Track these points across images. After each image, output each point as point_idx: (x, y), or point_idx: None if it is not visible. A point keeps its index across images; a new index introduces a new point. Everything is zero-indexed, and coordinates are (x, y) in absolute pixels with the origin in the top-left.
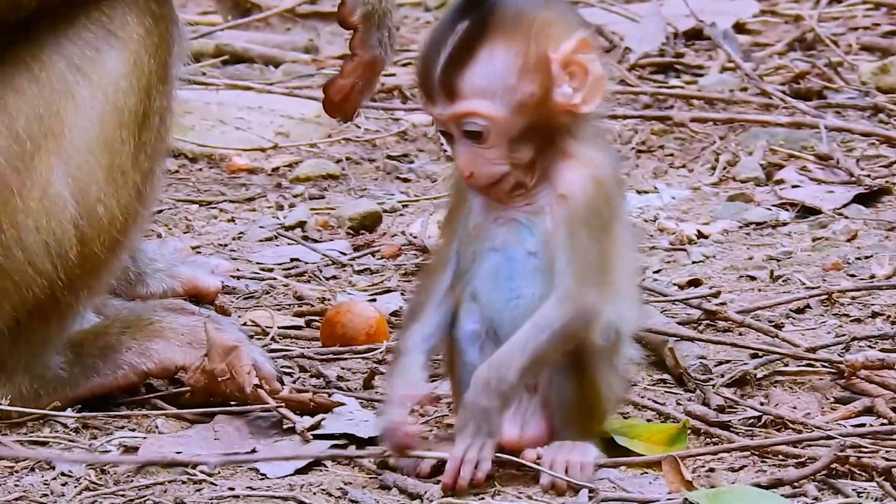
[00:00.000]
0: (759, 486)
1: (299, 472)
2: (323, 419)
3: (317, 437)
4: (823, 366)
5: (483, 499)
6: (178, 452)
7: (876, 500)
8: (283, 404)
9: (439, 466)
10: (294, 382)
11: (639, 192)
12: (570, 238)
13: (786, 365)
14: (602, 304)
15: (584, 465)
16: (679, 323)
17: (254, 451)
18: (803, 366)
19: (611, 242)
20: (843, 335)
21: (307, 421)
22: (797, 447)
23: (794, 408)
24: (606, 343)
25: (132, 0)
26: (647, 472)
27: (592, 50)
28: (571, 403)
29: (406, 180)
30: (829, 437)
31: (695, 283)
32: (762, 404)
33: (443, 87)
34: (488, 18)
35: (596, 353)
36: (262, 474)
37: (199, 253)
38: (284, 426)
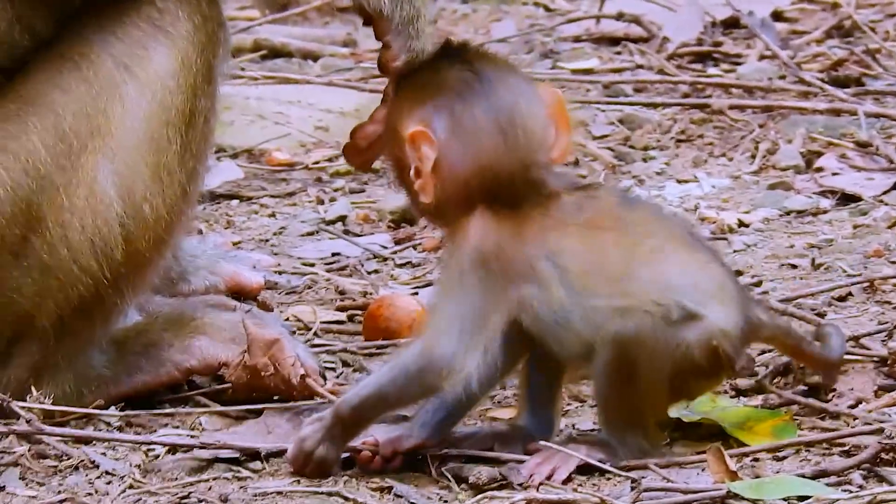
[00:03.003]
0: (803, 476)
1: (344, 465)
2: None
3: None
4: (867, 353)
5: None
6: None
7: None
8: (331, 396)
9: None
10: (337, 377)
11: (679, 182)
12: (434, 293)
13: None
14: (460, 359)
15: (556, 469)
16: None
17: None
18: (846, 354)
19: (475, 302)
20: (886, 322)
21: None
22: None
23: (840, 395)
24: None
25: None
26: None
27: (428, 142)
28: (608, 401)
29: None
30: (881, 430)
31: (737, 272)
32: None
33: None
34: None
35: (635, 357)
36: None
37: (241, 248)
38: None
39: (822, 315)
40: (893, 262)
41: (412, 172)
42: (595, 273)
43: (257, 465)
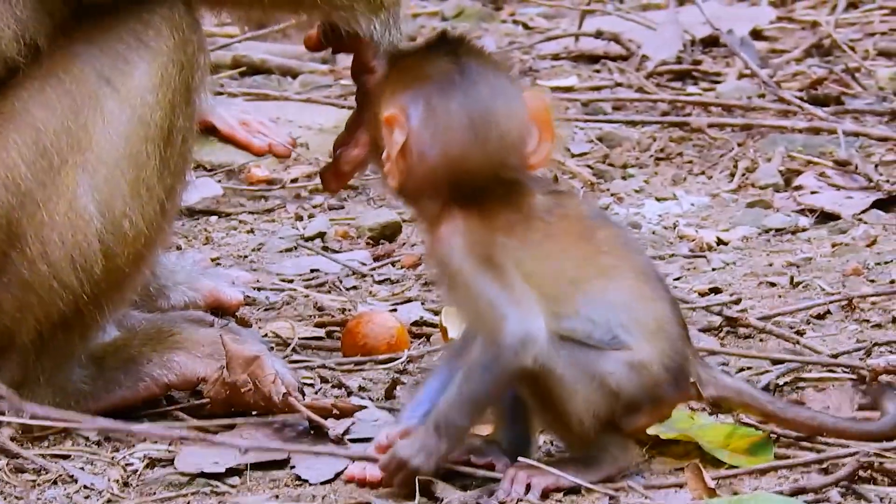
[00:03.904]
0: (781, 493)
1: (327, 481)
2: (352, 424)
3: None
4: (845, 371)
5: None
6: (216, 462)
7: None
8: (308, 412)
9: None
10: (315, 393)
11: (658, 200)
12: (456, 298)
13: (808, 371)
14: (529, 326)
15: (532, 485)
16: (700, 330)
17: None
18: (825, 372)
19: (483, 282)
20: (864, 340)
21: (338, 427)
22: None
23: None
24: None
25: (169, 13)
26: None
27: (400, 127)
28: (547, 422)
29: None
30: (855, 452)
31: (715, 290)
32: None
33: None
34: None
35: (550, 373)
36: (287, 484)
37: (219, 265)
38: (312, 433)
39: (800, 333)
40: (872, 281)
41: (384, 155)
42: (541, 273)
43: (235, 480)
